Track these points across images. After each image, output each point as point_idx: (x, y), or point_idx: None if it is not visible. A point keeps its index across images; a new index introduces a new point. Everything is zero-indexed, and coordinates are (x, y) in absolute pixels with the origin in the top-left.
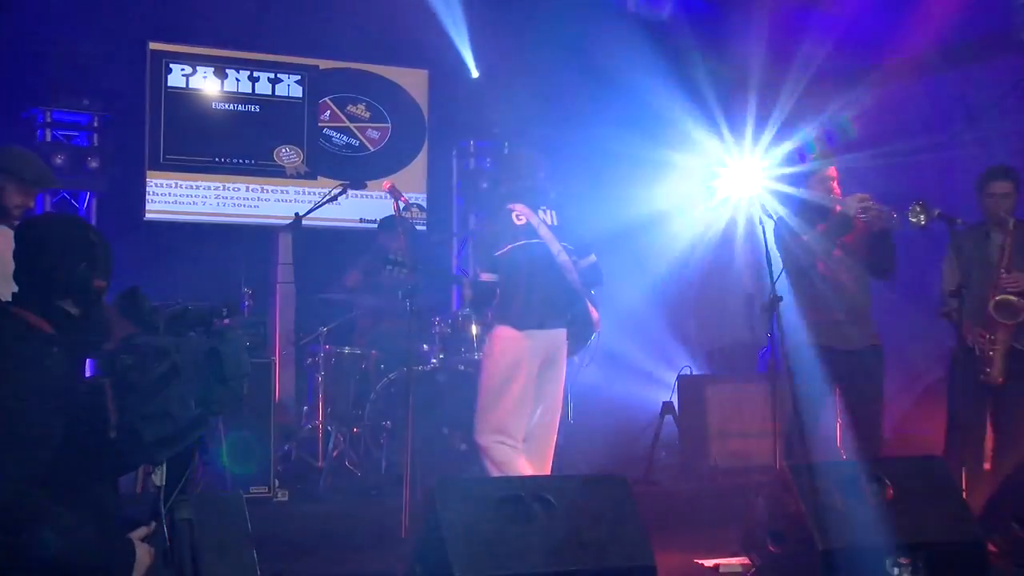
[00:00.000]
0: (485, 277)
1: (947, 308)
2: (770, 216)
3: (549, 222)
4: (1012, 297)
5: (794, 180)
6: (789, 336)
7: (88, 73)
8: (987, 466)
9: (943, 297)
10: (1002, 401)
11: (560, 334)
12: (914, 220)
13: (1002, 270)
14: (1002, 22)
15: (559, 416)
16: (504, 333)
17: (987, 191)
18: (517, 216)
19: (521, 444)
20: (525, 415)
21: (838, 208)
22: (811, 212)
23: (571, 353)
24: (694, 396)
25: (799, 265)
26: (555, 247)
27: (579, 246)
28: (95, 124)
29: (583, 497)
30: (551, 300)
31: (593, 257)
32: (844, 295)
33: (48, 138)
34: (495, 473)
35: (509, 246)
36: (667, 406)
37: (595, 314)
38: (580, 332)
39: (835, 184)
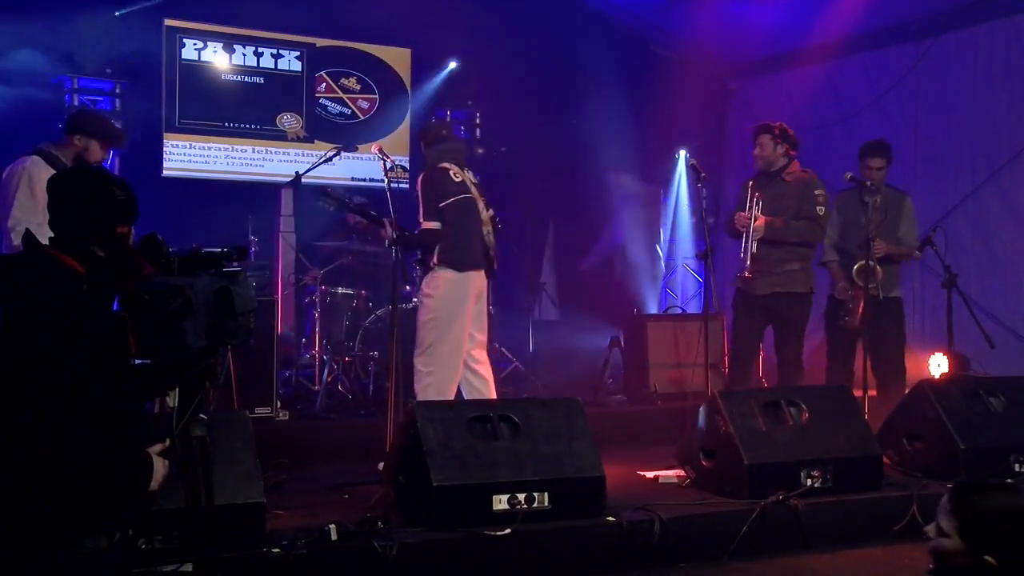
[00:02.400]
0: (429, 225)
1: (825, 259)
2: (697, 184)
3: (472, 180)
4: (873, 263)
5: None
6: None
7: (111, 45)
8: (872, 393)
9: (824, 249)
10: (873, 340)
11: (483, 274)
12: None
13: (876, 244)
14: (898, 15)
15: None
16: (447, 275)
17: (864, 163)
18: (454, 175)
19: (461, 370)
20: (465, 344)
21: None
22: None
23: None
24: (637, 332)
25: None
26: (480, 202)
27: (487, 201)
28: (117, 91)
29: (542, 417)
30: (479, 246)
31: (491, 210)
32: (757, 252)
33: (75, 102)
34: (434, 396)
35: (453, 199)
36: (614, 340)
37: (495, 260)
38: (489, 273)
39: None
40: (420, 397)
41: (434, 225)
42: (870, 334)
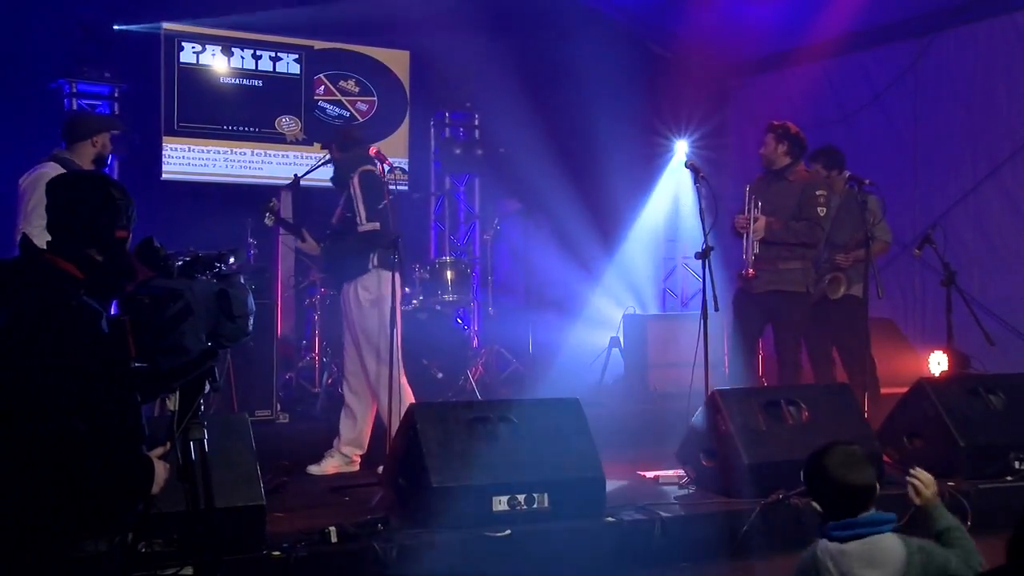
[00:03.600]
0: (371, 227)
1: None
2: (696, 184)
3: None
4: (841, 275)
5: None
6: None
7: (109, 49)
8: None
9: None
10: (841, 338)
11: None
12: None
13: (839, 256)
14: (898, 12)
15: None
16: (385, 275)
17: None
18: (382, 176)
19: None
20: None
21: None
22: None
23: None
24: (637, 331)
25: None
26: None
27: None
28: (115, 94)
29: (541, 417)
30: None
31: None
32: (758, 252)
33: (74, 106)
34: (408, 399)
35: (388, 200)
36: (614, 340)
37: None
38: None
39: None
40: (395, 403)
41: (375, 227)
42: (836, 333)
